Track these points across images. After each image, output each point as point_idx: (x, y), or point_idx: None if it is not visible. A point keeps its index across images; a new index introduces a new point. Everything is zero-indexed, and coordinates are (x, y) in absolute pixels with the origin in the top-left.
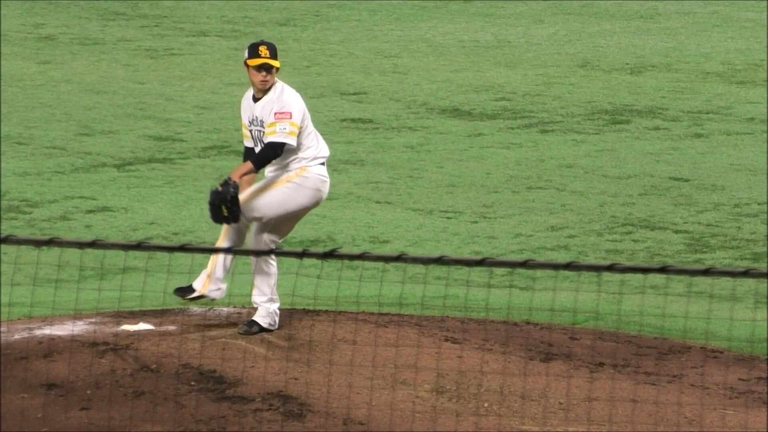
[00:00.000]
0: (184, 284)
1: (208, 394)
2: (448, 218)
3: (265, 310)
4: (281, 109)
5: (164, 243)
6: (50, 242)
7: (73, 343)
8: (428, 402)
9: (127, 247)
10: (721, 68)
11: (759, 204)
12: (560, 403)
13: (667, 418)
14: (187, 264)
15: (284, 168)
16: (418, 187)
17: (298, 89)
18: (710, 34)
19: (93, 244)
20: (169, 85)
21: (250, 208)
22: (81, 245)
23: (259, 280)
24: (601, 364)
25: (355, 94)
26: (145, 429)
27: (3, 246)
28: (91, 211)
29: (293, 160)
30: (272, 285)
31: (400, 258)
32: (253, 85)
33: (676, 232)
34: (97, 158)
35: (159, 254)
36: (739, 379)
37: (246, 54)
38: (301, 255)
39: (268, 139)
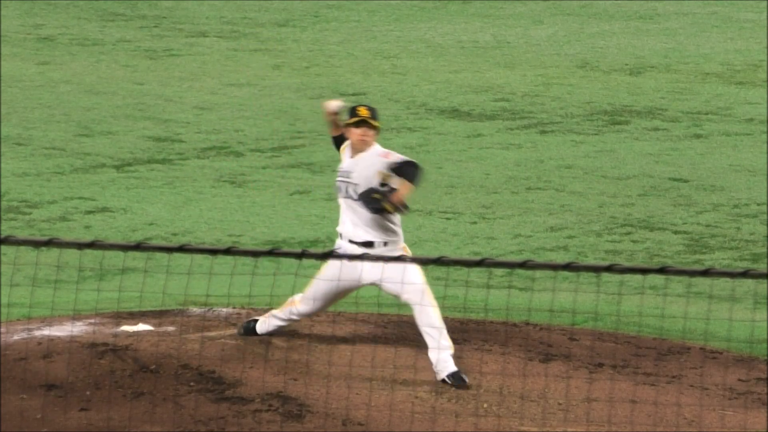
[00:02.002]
0: (182, 285)
1: (208, 394)
2: (448, 219)
3: (269, 323)
4: (385, 154)
5: (163, 244)
6: (49, 243)
7: (73, 343)
8: (427, 402)
9: (126, 247)
10: (721, 69)
11: (758, 204)
12: (559, 404)
13: (667, 419)
14: (186, 264)
15: (393, 248)
16: (417, 187)
17: (297, 90)
18: (709, 34)
19: (92, 245)
20: (168, 85)
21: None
22: (80, 246)
23: (277, 312)
24: (601, 365)
25: (354, 94)
26: (145, 429)
27: (2, 246)
28: (90, 212)
29: (396, 237)
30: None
31: (399, 258)
32: (352, 144)
33: (676, 232)
34: (97, 159)
35: (158, 255)
36: (739, 379)
37: (346, 115)
38: (300, 255)
39: (403, 159)
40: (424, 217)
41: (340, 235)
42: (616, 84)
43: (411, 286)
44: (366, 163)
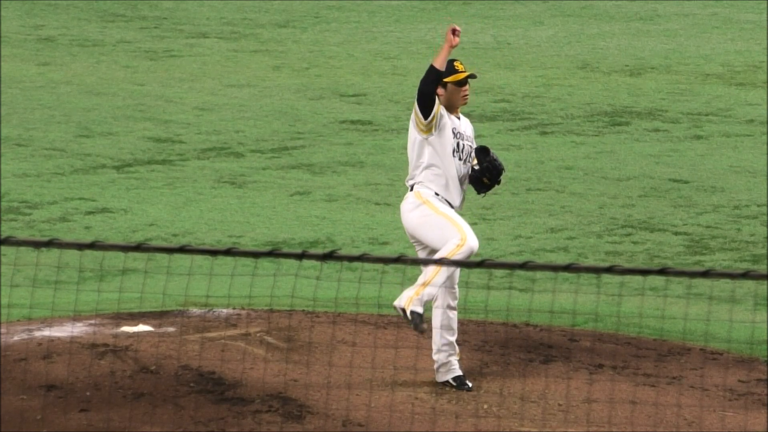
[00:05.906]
0: (182, 286)
1: (208, 395)
2: None
3: (428, 293)
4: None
5: (163, 244)
6: (50, 243)
7: (73, 344)
8: (427, 403)
9: (126, 248)
10: (721, 70)
11: (758, 206)
12: (559, 405)
13: (667, 420)
14: (186, 265)
15: None
16: None
17: (297, 91)
18: (710, 35)
19: (92, 246)
20: (168, 86)
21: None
22: (80, 246)
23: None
24: (601, 366)
25: (354, 95)
26: (144, 430)
27: (3, 247)
28: (90, 213)
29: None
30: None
31: (399, 259)
32: (451, 103)
33: (676, 233)
34: (97, 160)
35: (158, 256)
36: (739, 380)
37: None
38: (301, 256)
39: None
40: None
41: (446, 199)
42: (616, 85)
43: (457, 287)
44: (465, 124)
